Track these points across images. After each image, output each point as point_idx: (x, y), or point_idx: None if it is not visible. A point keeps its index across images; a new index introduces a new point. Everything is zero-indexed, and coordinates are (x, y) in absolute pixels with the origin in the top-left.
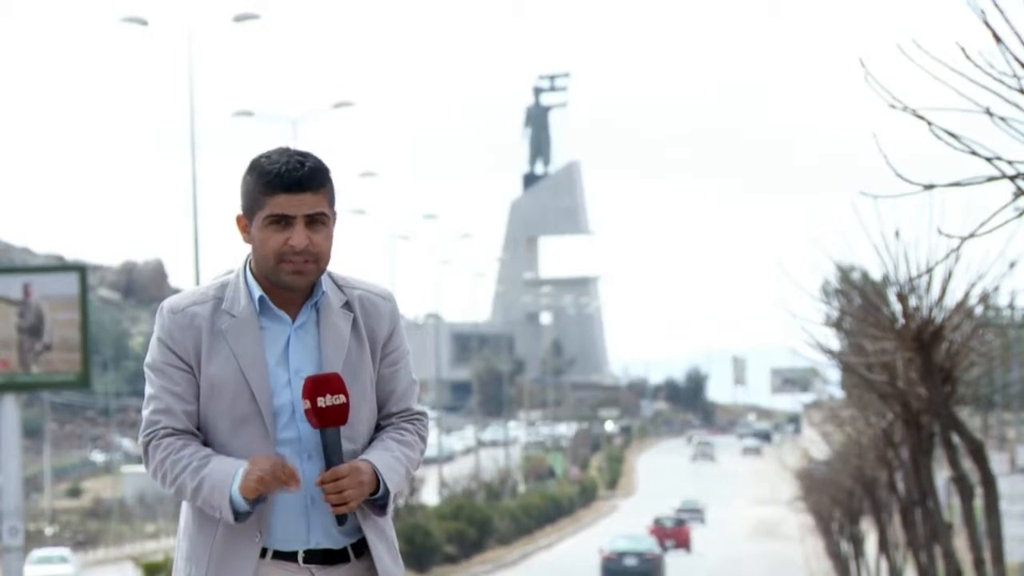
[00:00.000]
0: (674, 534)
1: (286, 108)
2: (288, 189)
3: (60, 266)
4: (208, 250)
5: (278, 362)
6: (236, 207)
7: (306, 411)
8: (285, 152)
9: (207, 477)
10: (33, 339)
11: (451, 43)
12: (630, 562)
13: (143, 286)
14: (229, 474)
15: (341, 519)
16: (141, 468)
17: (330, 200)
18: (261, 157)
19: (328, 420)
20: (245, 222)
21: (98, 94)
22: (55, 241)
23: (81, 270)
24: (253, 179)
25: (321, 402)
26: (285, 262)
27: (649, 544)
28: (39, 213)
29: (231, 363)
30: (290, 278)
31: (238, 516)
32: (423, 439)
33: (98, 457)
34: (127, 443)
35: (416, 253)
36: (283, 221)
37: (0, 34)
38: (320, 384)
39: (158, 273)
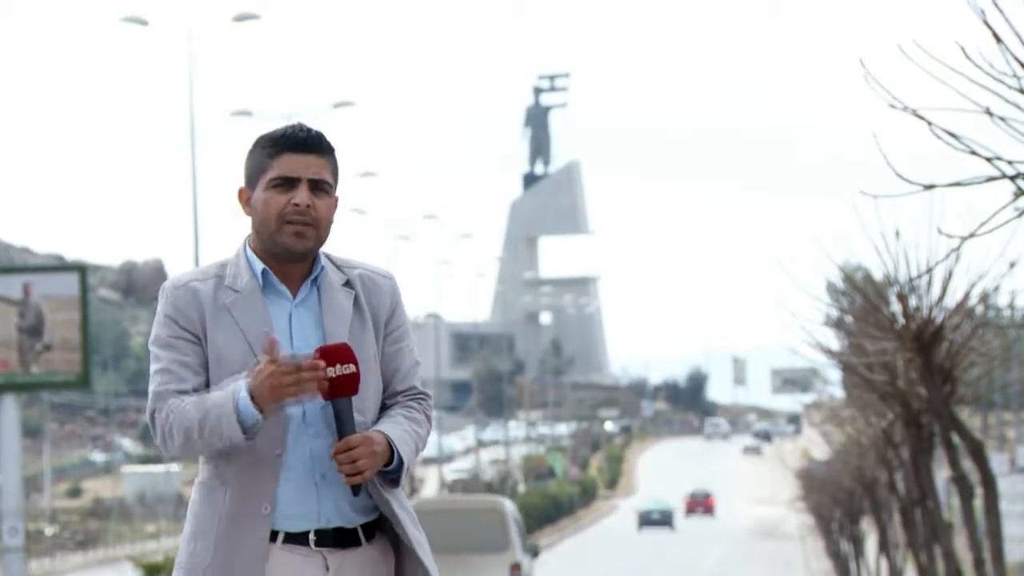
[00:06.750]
0: (702, 503)
1: (286, 108)
2: (294, 148)
3: (60, 266)
4: (208, 250)
5: (281, 337)
6: (236, 208)
7: None
8: (291, 123)
9: (212, 402)
10: (33, 339)
11: (451, 43)
12: (655, 516)
13: (143, 286)
14: (234, 388)
15: (355, 490)
16: (141, 468)
17: (333, 171)
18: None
19: (339, 390)
20: (248, 193)
21: (98, 94)
22: (55, 241)
23: (81, 270)
24: (259, 146)
25: (331, 372)
26: (287, 223)
27: (667, 504)
28: (39, 213)
29: (237, 336)
30: (290, 239)
31: (247, 430)
32: (429, 419)
33: (98, 457)
34: (127, 443)
35: (416, 253)
36: (287, 184)
37: (0, 34)
38: (329, 354)
39: (158, 273)
